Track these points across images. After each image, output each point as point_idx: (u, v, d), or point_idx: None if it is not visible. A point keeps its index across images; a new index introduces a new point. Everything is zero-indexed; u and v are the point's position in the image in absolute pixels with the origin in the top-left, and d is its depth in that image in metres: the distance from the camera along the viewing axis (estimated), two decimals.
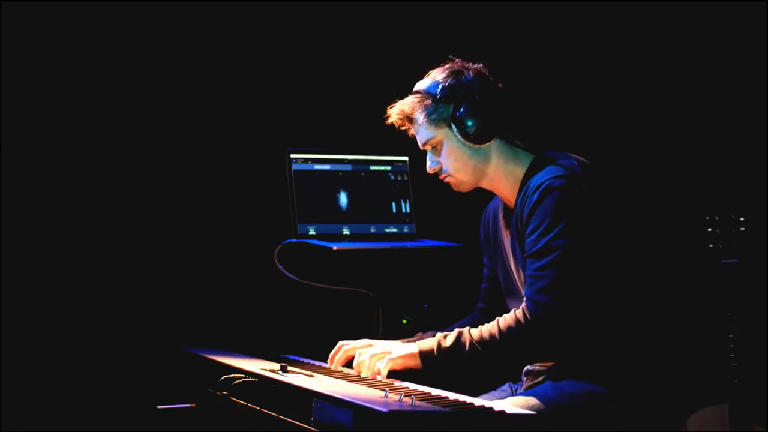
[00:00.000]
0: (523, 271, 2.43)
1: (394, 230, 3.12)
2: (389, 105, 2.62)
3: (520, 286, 2.54)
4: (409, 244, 3.06)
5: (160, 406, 2.69)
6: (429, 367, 2.39)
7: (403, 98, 2.60)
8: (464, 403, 2.09)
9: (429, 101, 2.53)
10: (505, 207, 2.60)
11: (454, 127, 2.51)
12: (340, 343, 2.59)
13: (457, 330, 2.39)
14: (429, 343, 2.40)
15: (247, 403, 2.27)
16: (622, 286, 2.42)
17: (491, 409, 2.03)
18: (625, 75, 3.57)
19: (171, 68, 3.42)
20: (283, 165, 3.00)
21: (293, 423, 2.09)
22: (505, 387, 2.67)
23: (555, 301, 2.30)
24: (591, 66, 3.62)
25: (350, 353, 2.59)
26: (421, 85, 2.58)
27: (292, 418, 2.10)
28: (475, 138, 2.50)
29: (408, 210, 3.15)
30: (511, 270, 2.58)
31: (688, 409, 2.74)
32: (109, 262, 3.32)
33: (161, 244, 3.39)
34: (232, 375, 2.28)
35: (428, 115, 2.54)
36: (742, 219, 2.62)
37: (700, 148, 3.43)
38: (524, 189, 2.45)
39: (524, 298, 2.36)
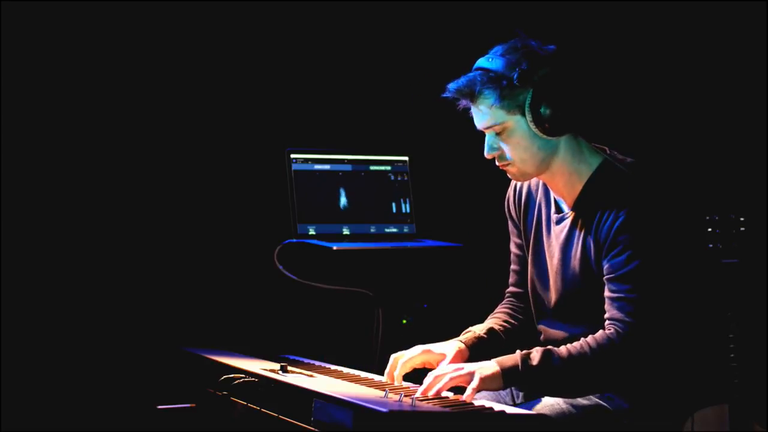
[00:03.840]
0: (581, 280, 2.36)
1: (394, 230, 3.12)
2: (451, 80, 2.36)
3: (552, 290, 2.45)
4: (409, 244, 3.06)
5: (160, 406, 2.69)
6: (512, 386, 2.26)
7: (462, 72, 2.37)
8: (464, 403, 2.08)
9: (504, 83, 2.30)
10: (556, 203, 2.47)
11: (528, 114, 2.30)
12: (394, 356, 2.40)
13: (540, 348, 2.26)
14: (511, 360, 2.23)
15: (247, 403, 2.27)
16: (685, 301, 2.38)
17: (491, 409, 2.03)
18: (623, 74, 3.57)
19: (171, 68, 3.42)
20: (283, 165, 3.00)
21: (293, 423, 2.09)
22: None
23: (648, 324, 2.24)
24: (587, 65, 3.61)
25: (413, 364, 2.40)
26: (492, 63, 2.33)
27: (292, 418, 2.10)
28: (550, 130, 2.31)
29: (408, 210, 3.15)
30: (551, 271, 2.45)
31: (688, 409, 2.74)
32: (109, 262, 3.32)
33: (161, 244, 3.39)
34: (232, 375, 2.28)
35: (501, 98, 2.30)
36: (742, 219, 2.62)
37: (700, 148, 3.42)
38: (600, 200, 2.33)
39: (612, 320, 2.27)
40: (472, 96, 2.34)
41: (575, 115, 2.33)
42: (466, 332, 2.53)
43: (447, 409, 1.97)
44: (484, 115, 2.35)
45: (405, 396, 2.04)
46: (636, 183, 2.32)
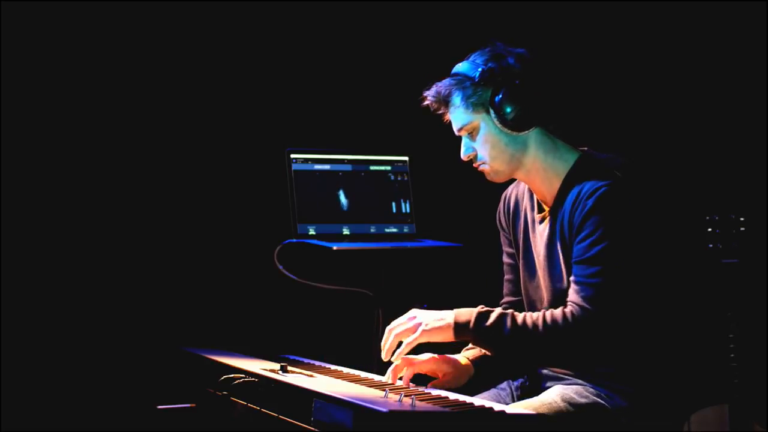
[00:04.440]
0: (565, 275, 2.37)
1: (394, 230, 3.12)
2: (425, 88, 2.48)
3: (543, 289, 2.47)
4: (409, 244, 3.06)
5: (160, 406, 2.69)
6: (462, 339, 2.32)
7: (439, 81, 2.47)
8: (464, 403, 2.09)
9: (467, 84, 2.41)
10: (539, 203, 2.51)
11: (492, 112, 2.40)
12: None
13: (499, 310, 2.31)
14: (467, 315, 2.32)
15: (247, 403, 2.27)
16: (652, 293, 2.39)
17: (491, 409, 2.03)
18: (624, 74, 3.57)
19: (171, 68, 3.42)
20: (283, 165, 3.00)
21: (293, 423, 2.09)
22: (504, 385, 2.66)
23: (604, 311, 2.25)
24: (586, 64, 3.62)
25: (419, 369, 2.44)
26: (460, 67, 2.46)
27: (292, 418, 2.10)
28: (514, 125, 2.39)
29: (408, 210, 3.15)
30: (539, 270, 2.49)
31: (688, 409, 2.74)
32: (109, 262, 3.32)
33: (161, 244, 3.39)
34: (232, 375, 2.28)
35: (466, 99, 2.41)
36: (742, 219, 2.62)
37: (700, 148, 3.43)
38: (573, 191, 2.36)
39: (570, 303, 2.29)
40: (445, 101, 2.45)
41: (538, 110, 2.41)
42: (470, 347, 2.56)
43: (447, 409, 1.97)
44: (455, 117, 2.47)
45: (405, 396, 2.04)
46: (608, 171, 2.35)
